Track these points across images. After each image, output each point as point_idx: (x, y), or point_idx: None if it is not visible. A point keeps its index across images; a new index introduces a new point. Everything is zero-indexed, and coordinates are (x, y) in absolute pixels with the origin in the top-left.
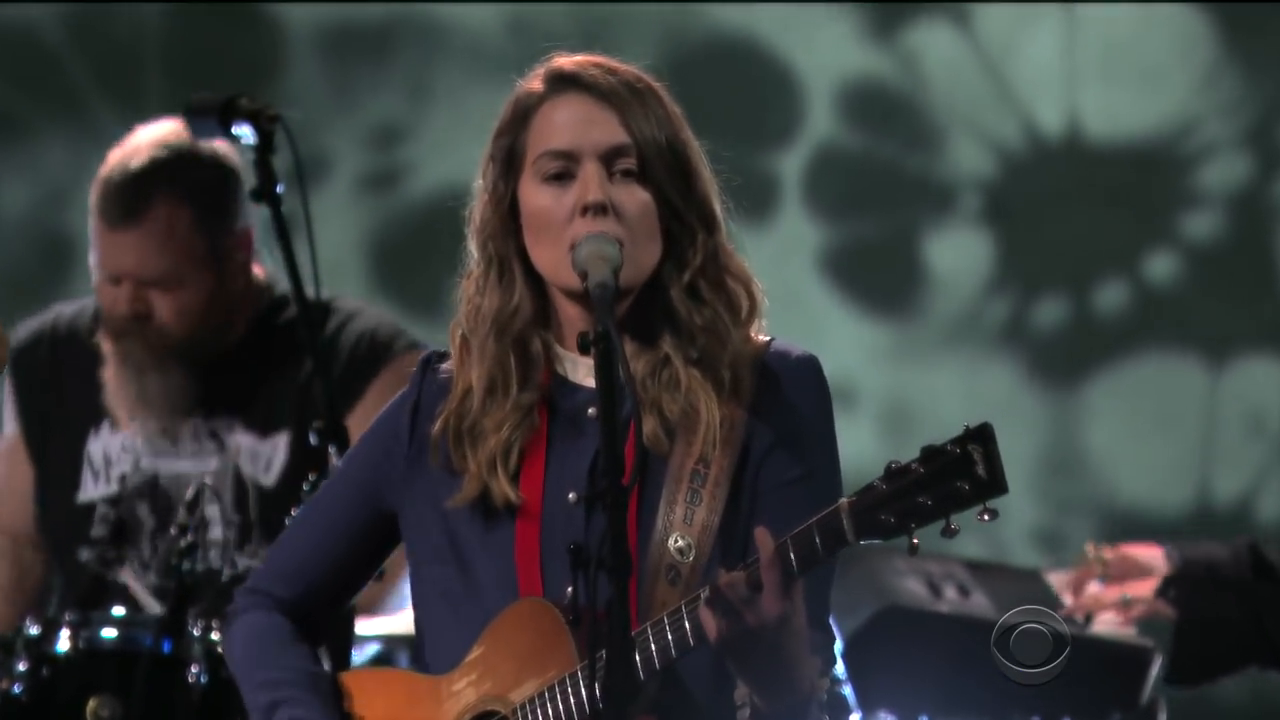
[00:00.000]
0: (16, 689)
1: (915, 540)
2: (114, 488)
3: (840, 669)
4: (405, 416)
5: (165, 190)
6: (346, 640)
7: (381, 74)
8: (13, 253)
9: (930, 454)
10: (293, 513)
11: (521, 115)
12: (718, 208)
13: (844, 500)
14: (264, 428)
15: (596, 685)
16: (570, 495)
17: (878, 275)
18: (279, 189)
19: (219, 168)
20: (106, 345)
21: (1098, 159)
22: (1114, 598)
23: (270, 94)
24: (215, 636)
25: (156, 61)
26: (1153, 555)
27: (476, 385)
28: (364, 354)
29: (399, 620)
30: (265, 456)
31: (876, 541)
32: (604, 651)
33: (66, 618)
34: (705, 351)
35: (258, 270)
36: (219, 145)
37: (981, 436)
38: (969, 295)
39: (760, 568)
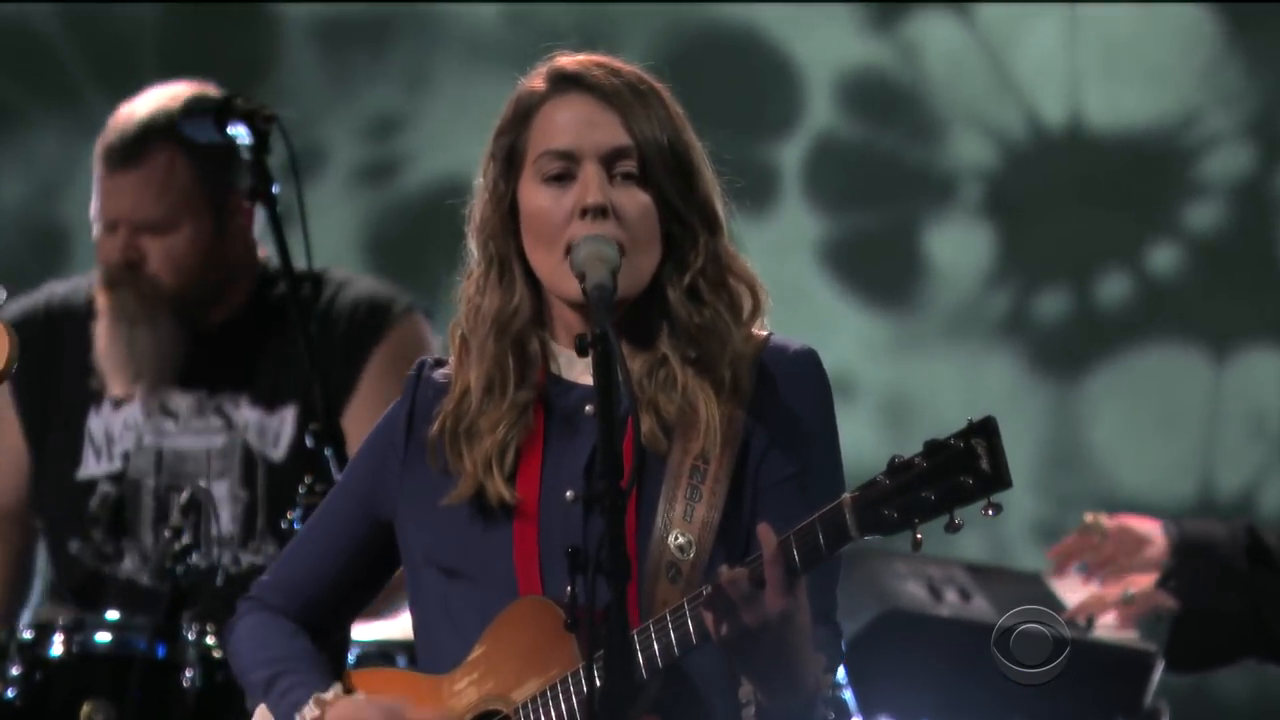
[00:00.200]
0: (10, 693)
1: (919, 535)
2: (117, 464)
3: (841, 673)
4: (400, 424)
5: (166, 136)
6: (343, 644)
7: (378, 65)
8: (7, 244)
9: (934, 448)
10: (300, 488)
11: (523, 114)
12: (719, 209)
13: (847, 495)
14: (270, 401)
15: (596, 688)
16: (568, 494)
17: (878, 267)
18: (275, 189)
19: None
20: (100, 300)
21: (1099, 150)
22: (1116, 596)
23: (266, 85)
24: (210, 641)
25: (152, 52)
26: (1151, 528)
27: (475, 385)
28: (364, 318)
29: (395, 625)
30: (273, 431)
31: (879, 536)
32: (603, 652)
33: (60, 621)
34: (704, 351)
35: (261, 252)
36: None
37: (985, 430)
38: (970, 287)
39: (763, 564)
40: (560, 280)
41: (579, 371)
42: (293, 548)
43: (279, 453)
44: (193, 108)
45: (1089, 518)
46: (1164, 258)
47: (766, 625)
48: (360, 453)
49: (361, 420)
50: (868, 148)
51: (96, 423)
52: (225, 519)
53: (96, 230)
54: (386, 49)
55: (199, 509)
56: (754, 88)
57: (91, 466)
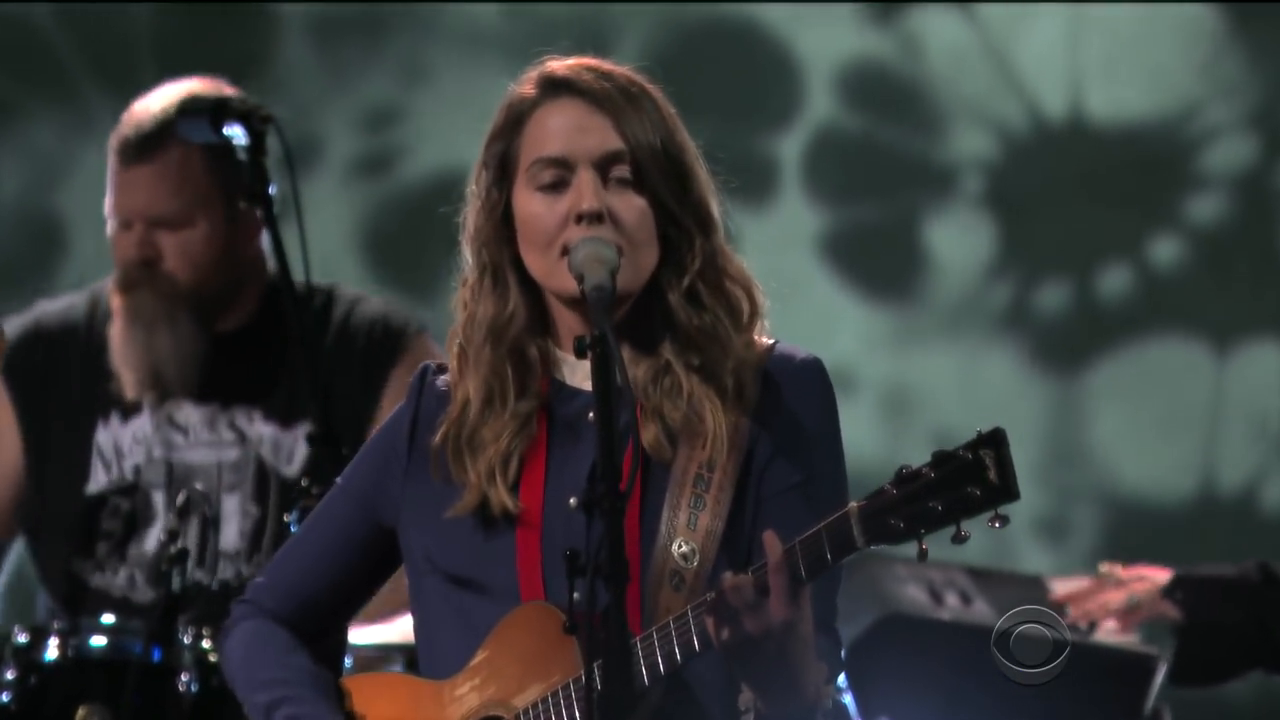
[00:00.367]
0: (5, 698)
1: (925, 546)
2: (128, 478)
3: (841, 677)
4: (404, 430)
5: (183, 139)
6: (339, 648)
7: (374, 58)
8: (3, 237)
9: (941, 458)
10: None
11: (514, 121)
12: (715, 210)
13: (853, 504)
14: (285, 418)
15: (596, 695)
16: (571, 501)
17: (878, 260)
18: (271, 190)
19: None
20: (116, 302)
21: (1101, 143)
22: (1120, 601)
23: (262, 77)
24: (206, 645)
25: (148, 45)
26: (1165, 578)
27: (474, 395)
28: (381, 338)
29: (393, 628)
30: (287, 447)
31: (885, 546)
32: (603, 660)
33: (55, 625)
34: (707, 358)
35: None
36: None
37: (994, 441)
38: (970, 281)
39: (768, 572)
40: (558, 279)
41: (582, 378)
42: (288, 549)
43: (293, 469)
44: (188, 108)
45: (1104, 568)
46: (1165, 251)
47: (769, 633)
48: (361, 457)
49: None
50: (868, 140)
51: (105, 436)
52: (233, 533)
53: (111, 227)
54: (382, 41)
55: (195, 511)
56: (753, 80)
57: (101, 480)
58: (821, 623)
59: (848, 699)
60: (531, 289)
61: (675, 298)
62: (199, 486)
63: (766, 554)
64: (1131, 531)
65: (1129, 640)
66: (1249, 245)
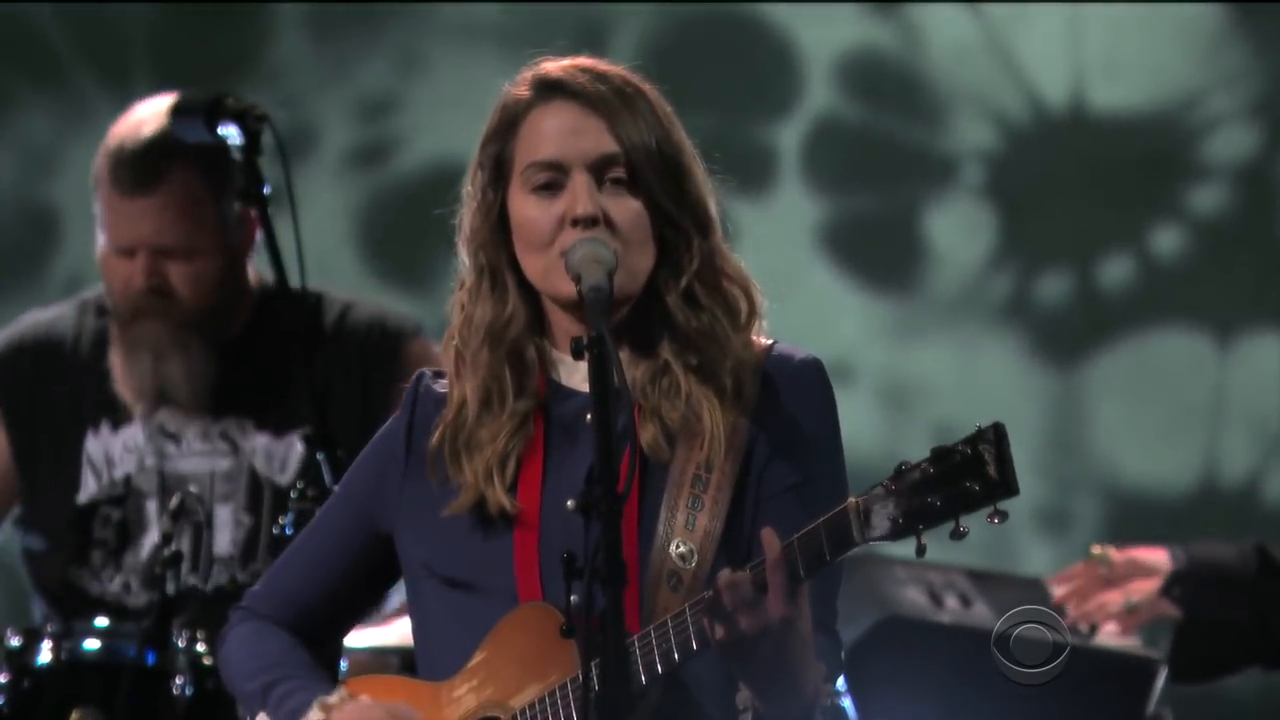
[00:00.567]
0: None
1: (923, 542)
2: (118, 488)
3: (840, 680)
4: (400, 436)
5: (184, 156)
6: (334, 655)
7: (370, 46)
8: None
9: (940, 454)
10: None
11: (509, 123)
12: (713, 210)
13: (852, 500)
14: (278, 427)
15: (593, 696)
16: (569, 502)
17: (877, 250)
18: (266, 190)
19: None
20: (118, 330)
21: (1102, 132)
22: (1119, 603)
23: (257, 66)
24: (201, 648)
25: (143, 33)
26: (1158, 558)
27: (471, 397)
28: (378, 343)
29: (390, 631)
30: (280, 456)
31: (883, 542)
32: (599, 660)
33: (48, 628)
34: (706, 358)
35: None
36: None
37: (993, 436)
38: (970, 271)
39: (766, 569)
40: (554, 280)
41: (579, 379)
42: (286, 557)
43: (286, 477)
44: (182, 108)
45: (1096, 549)
46: (1167, 241)
47: (767, 631)
48: (358, 464)
49: None
50: (867, 130)
51: (95, 446)
52: (226, 541)
53: (106, 252)
54: (379, 30)
55: (188, 514)
56: (752, 69)
57: (92, 490)
58: (821, 624)
59: (846, 702)
60: (529, 290)
61: (673, 299)
62: (192, 489)
63: (765, 551)
64: (1133, 524)
65: (1130, 644)
66: (1251, 236)
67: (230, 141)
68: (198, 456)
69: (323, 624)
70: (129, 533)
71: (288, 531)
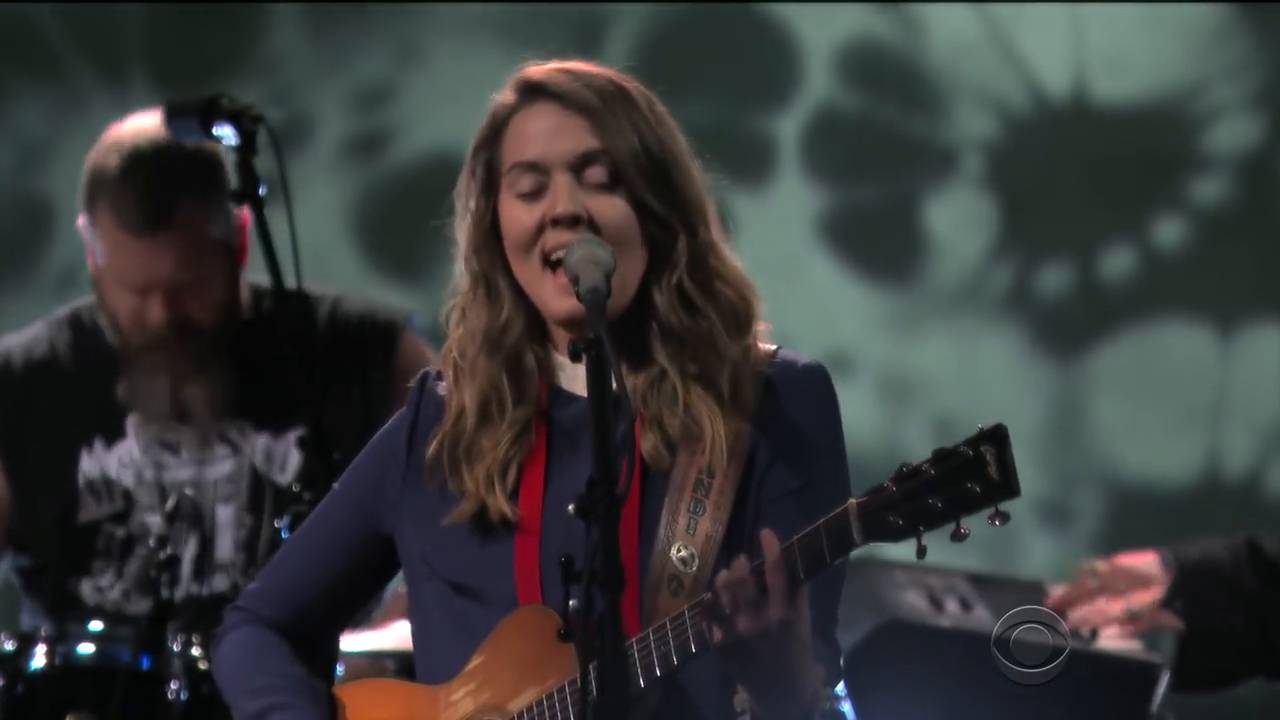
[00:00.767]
0: None
1: (924, 544)
2: (118, 504)
3: (840, 685)
4: (403, 436)
5: (188, 188)
6: (331, 658)
7: (367, 35)
8: None
9: (942, 455)
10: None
11: (496, 129)
12: (708, 208)
13: (852, 501)
14: (276, 426)
15: (590, 701)
16: (570, 507)
17: (877, 241)
18: (261, 190)
19: (213, 153)
20: (130, 356)
21: (1104, 123)
22: (1118, 612)
23: (252, 56)
24: (196, 652)
25: (137, 22)
26: (1148, 563)
27: (470, 405)
28: (372, 336)
29: (386, 635)
30: (280, 455)
31: (884, 543)
32: (597, 664)
33: (42, 633)
34: (703, 364)
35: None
36: None
37: (995, 438)
38: (971, 262)
39: (765, 570)
40: (543, 297)
41: (581, 384)
42: (283, 556)
43: (286, 476)
44: (177, 108)
45: (1084, 564)
46: (1168, 233)
47: (766, 633)
48: (359, 462)
49: None
50: (867, 119)
51: (90, 464)
52: (228, 544)
53: (105, 280)
54: (374, 20)
55: (185, 516)
56: (751, 58)
57: (92, 510)
58: (821, 632)
59: (846, 707)
60: (526, 295)
61: (664, 300)
62: (188, 493)
63: (764, 552)
64: (1135, 517)
65: (1132, 647)
66: (1253, 227)
67: (225, 142)
68: (197, 464)
69: (320, 622)
70: (132, 546)
71: (283, 535)
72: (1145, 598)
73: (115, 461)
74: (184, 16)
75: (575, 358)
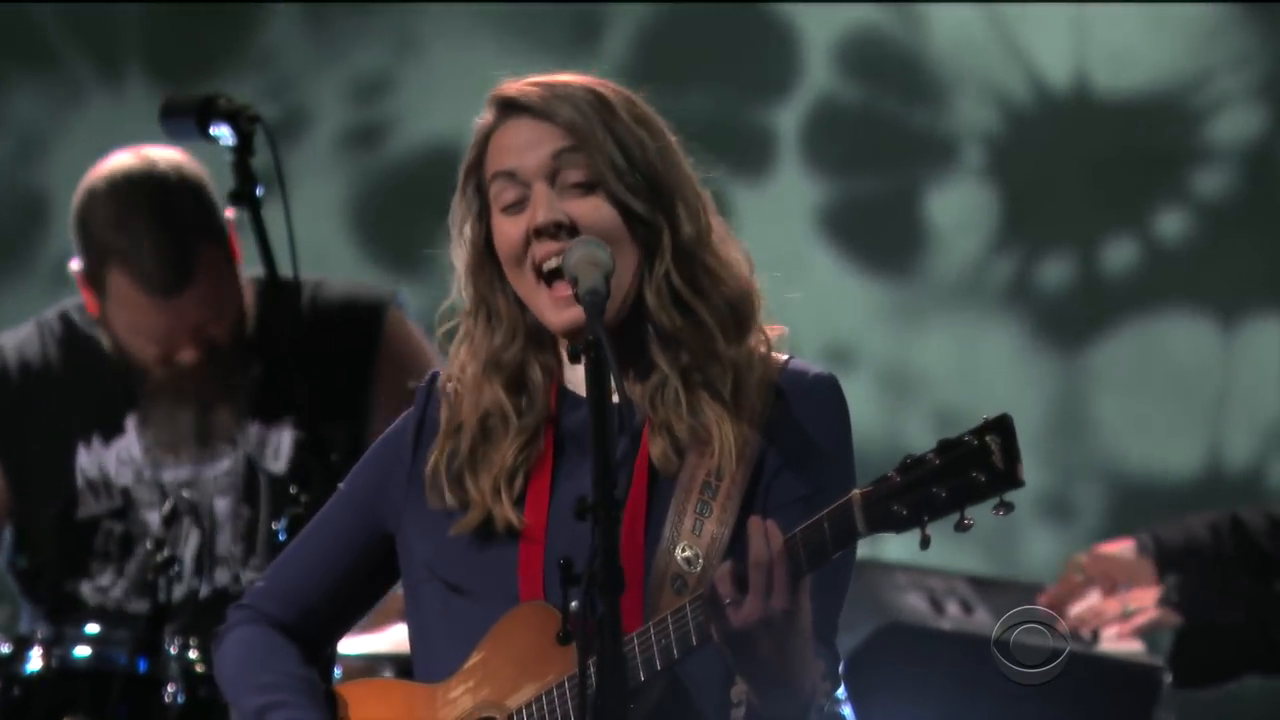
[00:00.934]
0: None
1: (928, 534)
2: (117, 501)
3: (840, 688)
4: (409, 436)
5: (198, 231)
6: (329, 660)
7: (364, 26)
8: None
9: (946, 445)
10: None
11: (479, 150)
12: (699, 203)
13: (856, 491)
14: (269, 415)
15: (589, 700)
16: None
17: (878, 233)
18: (258, 191)
19: (199, 178)
20: (154, 394)
21: (1105, 114)
22: (1115, 610)
23: (250, 48)
24: (193, 655)
25: (135, 15)
26: (1125, 549)
27: (470, 422)
28: (356, 320)
29: (383, 638)
30: (274, 444)
31: (888, 534)
32: (595, 662)
33: (39, 635)
34: (703, 367)
35: None
36: (172, 152)
37: (1000, 427)
38: (972, 254)
39: (762, 560)
40: (540, 310)
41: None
42: (289, 555)
43: (279, 465)
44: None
45: (1070, 561)
46: (1170, 225)
47: (768, 625)
48: (364, 462)
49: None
50: (868, 111)
51: (88, 461)
52: (226, 539)
53: (127, 333)
54: (372, 12)
55: (182, 517)
56: (752, 50)
57: (91, 505)
58: (821, 637)
59: (847, 710)
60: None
61: (655, 300)
62: (185, 494)
63: (750, 536)
64: (1136, 512)
65: (1134, 650)
66: (1255, 219)
67: (222, 142)
68: (195, 462)
69: (323, 622)
70: (132, 544)
71: (281, 538)
72: (1142, 596)
73: (114, 459)
74: (181, 9)
75: (575, 359)
